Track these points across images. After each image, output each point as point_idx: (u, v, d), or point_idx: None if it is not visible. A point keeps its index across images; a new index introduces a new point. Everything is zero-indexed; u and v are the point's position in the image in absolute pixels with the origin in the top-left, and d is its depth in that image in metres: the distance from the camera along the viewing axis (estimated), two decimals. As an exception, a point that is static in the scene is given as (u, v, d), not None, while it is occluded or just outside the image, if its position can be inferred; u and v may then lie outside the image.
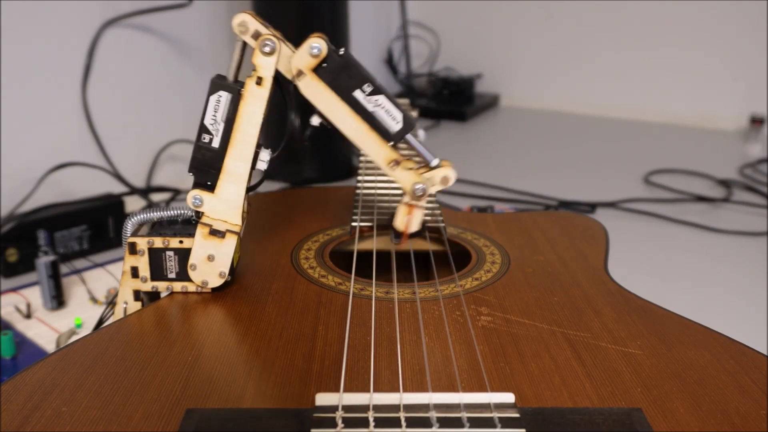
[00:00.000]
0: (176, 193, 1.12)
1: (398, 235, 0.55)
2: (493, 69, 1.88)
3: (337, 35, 1.26)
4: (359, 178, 0.69)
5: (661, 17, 1.66)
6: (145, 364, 0.41)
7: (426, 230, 0.60)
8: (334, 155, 1.25)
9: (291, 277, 0.53)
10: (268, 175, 0.53)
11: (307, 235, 0.60)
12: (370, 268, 0.53)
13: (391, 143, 0.50)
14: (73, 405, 0.37)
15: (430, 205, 0.64)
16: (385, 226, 0.60)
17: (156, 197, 1.13)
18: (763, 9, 1.54)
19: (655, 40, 1.68)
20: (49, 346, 0.71)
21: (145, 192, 1.12)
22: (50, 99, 1.05)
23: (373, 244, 0.58)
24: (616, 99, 1.75)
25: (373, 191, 0.66)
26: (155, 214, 0.52)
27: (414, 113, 0.88)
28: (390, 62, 1.86)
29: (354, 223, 0.60)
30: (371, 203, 0.63)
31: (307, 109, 0.51)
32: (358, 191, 0.66)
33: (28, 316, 0.76)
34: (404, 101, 0.93)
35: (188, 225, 0.51)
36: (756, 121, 1.52)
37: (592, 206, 1.14)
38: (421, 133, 0.81)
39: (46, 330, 0.74)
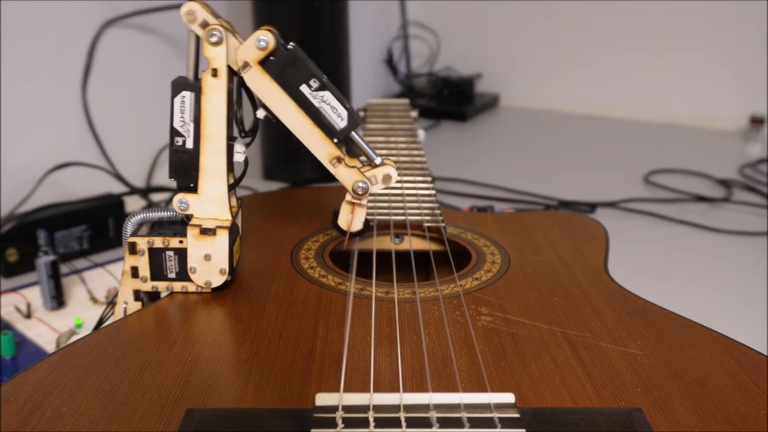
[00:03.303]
0: (176, 193, 1.12)
1: (398, 235, 0.55)
2: (493, 69, 1.88)
3: (337, 35, 1.26)
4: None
5: (661, 17, 1.66)
6: (145, 364, 0.41)
7: (425, 230, 0.60)
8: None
9: (291, 277, 0.52)
10: (268, 174, 0.53)
11: (307, 235, 0.60)
12: (370, 268, 0.53)
13: (335, 140, 0.50)
14: (74, 405, 0.37)
15: (430, 204, 0.64)
16: (386, 225, 0.60)
17: (156, 197, 1.13)
18: (763, 9, 1.54)
19: (656, 41, 1.68)
20: (49, 346, 0.71)
21: (145, 192, 1.12)
22: (50, 99, 1.05)
23: (373, 244, 0.58)
24: (616, 99, 1.75)
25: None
26: (155, 214, 0.52)
27: (414, 113, 0.88)
28: (390, 62, 1.85)
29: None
30: (371, 203, 0.63)
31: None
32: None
33: (28, 316, 0.76)
34: (404, 101, 0.93)
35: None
36: (756, 121, 1.52)
37: (592, 206, 1.14)
38: (421, 133, 0.81)
39: (46, 330, 0.74)
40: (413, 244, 0.60)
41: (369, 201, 0.55)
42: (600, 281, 0.53)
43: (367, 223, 0.53)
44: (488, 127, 1.69)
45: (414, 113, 0.88)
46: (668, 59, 1.68)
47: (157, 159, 1.20)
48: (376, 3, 1.79)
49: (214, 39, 0.47)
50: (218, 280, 0.50)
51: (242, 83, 0.50)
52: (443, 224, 0.60)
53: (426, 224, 0.60)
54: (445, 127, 1.67)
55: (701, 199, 1.19)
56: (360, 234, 0.53)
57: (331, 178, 0.51)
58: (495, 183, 1.25)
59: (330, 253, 0.57)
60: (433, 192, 0.66)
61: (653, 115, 1.71)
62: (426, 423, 0.35)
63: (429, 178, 0.68)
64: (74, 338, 0.69)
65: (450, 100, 1.78)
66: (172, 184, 0.51)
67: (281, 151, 1.26)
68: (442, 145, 1.52)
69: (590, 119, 1.74)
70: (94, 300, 0.79)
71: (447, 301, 0.49)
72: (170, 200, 0.51)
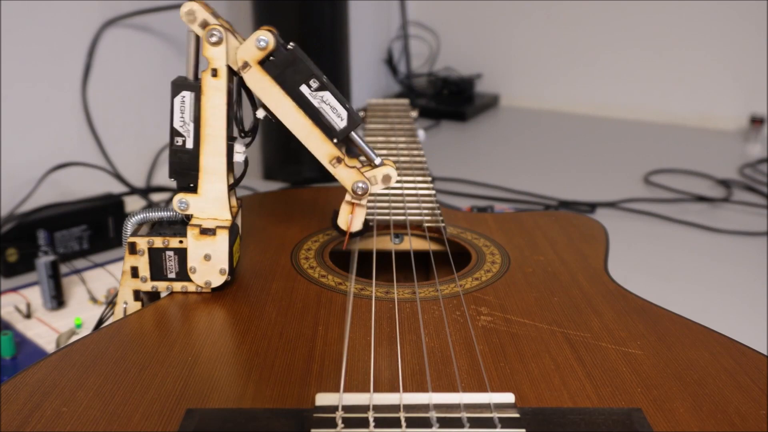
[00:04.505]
0: (176, 193, 1.12)
1: (398, 235, 0.55)
2: (493, 69, 1.88)
3: (337, 35, 1.26)
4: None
5: (661, 17, 1.66)
6: (145, 364, 0.41)
7: (425, 230, 0.60)
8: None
9: (291, 277, 0.52)
10: (268, 174, 0.53)
11: (307, 235, 0.60)
12: (370, 268, 0.53)
13: (335, 140, 0.50)
14: (74, 405, 0.37)
15: (429, 204, 0.64)
16: (385, 225, 0.60)
17: (156, 197, 1.13)
18: (763, 9, 1.54)
19: (656, 41, 1.68)
20: (49, 346, 0.71)
21: (145, 192, 1.12)
22: (50, 99, 1.05)
23: (373, 244, 0.58)
24: (616, 99, 1.75)
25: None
26: (155, 214, 0.52)
27: (414, 113, 0.88)
28: (390, 62, 1.85)
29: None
30: (371, 203, 0.63)
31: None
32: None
33: (28, 316, 0.76)
34: (404, 101, 0.93)
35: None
36: (756, 121, 1.52)
37: (592, 206, 1.14)
38: (420, 133, 0.81)
39: (46, 330, 0.74)
40: (413, 244, 0.60)
41: (369, 201, 0.55)
42: (600, 281, 0.53)
43: (366, 223, 0.53)
44: (488, 127, 1.69)
45: (414, 113, 0.88)
46: (668, 59, 1.68)
47: (157, 159, 1.20)
48: (376, 3, 1.79)
49: (213, 39, 0.47)
50: (218, 280, 0.50)
51: (242, 83, 0.50)
52: (443, 224, 0.60)
53: (426, 224, 0.60)
54: (445, 127, 1.67)
55: (701, 199, 1.19)
56: (360, 234, 0.53)
57: (331, 178, 0.51)
58: (495, 183, 1.25)
59: (330, 253, 0.57)
60: (433, 192, 0.66)
61: (653, 115, 1.71)
62: (426, 423, 0.35)
63: (429, 178, 0.68)
64: (74, 338, 0.69)
65: (450, 100, 1.78)
66: (172, 184, 0.51)
67: (281, 151, 1.26)
68: (442, 145, 1.52)
69: (590, 119, 1.74)
70: (94, 300, 0.79)
71: (447, 301, 0.49)
72: (170, 200, 0.51)
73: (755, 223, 1.10)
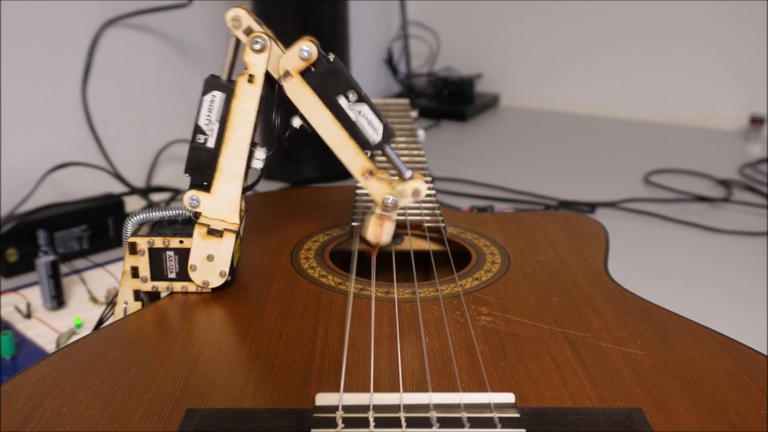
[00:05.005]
0: (176, 193, 1.12)
1: (398, 235, 0.55)
2: (493, 69, 1.88)
3: (337, 35, 1.26)
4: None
5: (661, 17, 1.66)
6: (145, 364, 0.41)
7: (425, 230, 0.60)
8: (334, 155, 1.25)
9: (291, 277, 0.53)
10: (268, 174, 0.53)
11: (307, 235, 0.60)
12: (370, 268, 0.53)
13: (369, 153, 0.50)
14: (74, 405, 0.37)
15: (429, 204, 0.64)
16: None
17: (156, 197, 1.13)
18: (763, 9, 1.54)
19: (655, 41, 1.68)
20: (49, 346, 0.71)
21: (145, 192, 1.12)
22: (50, 99, 1.05)
23: (373, 244, 0.58)
24: (616, 99, 1.75)
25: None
26: (155, 214, 0.52)
27: (414, 113, 0.88)
28: (390, 62, 1.85)
29: (354, 223, 0.60)
30: (371, 203, 0.63)
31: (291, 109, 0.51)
32: (358, 191, 0.66)
33: (28, 316, 0.76)
34: (404, 101, 0.93)
35: (188, 225, 0.51)
36: (756, 121, 1.52)
37: (592, 206, 1.14)
38: (421, 133, 0.81)
39: (46, 330, 0.74)
40: (413, 244, 0.60)
41: (366, 201, 0.55)
42: (600, 281, 0.53)
43: (395, 236, 0.53)
44: (488, 127, 1.69)
45: (414, 113, 0.88)
46: (668, 59, 1.68)
47: (157, 159, 1.20)
48: (376, 3, 1.79)
49: (257, 46, 0.47)
50: (216, 282, 0.50)
51: (280, 91, 0.50)
52: (443, 224, 0.60)
53: (426, 224, 0.60)
54: (445, 127, 1.67)
55: (701, 199, 1.19)
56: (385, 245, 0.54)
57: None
58: (495, 183, 1.25)
59: (330, 253, 0.57)
60: (433, 192, 0.66)
61: (653, 115, 1.71)
62: (426, 423, 0.35)
63: (429, 178, 0.68)
64: (74, 338, 0.69)
65: (450, 100, 1.78)
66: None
67: (281, 151, 1.26)
68: (442, 145, 1.53)
69: (590, 119, 1.74)
70: (94, 300, 0.79)
71: (447, 301, 0.49)
72: (170, 200, 0.51)
73: (755, 223, 1.10)
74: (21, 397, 0.38)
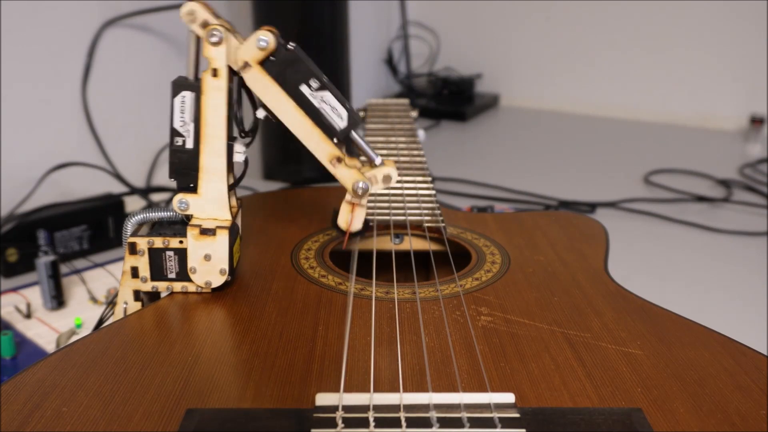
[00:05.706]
0: (176, 193, 1.12)
1: (398, 235, 0.54)
2: (493, 69, 1.88)
3: (337, 35, 1.26)
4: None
5: (661, 17, 1.66)
6: (145, 364, 0.41)
7: (425, 230, 0.60)
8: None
9: (291, 277, 0.52)
10: (268, 174, 0.53)
11: (307, 235, 0.60)
12: (370, 268, 0.53)
13: (335, 140, 0.50)
14: (74, 405, 0.37)
15: (430, 204, 0.64)
16: (386, 225, 0.60)
17: (156, 197, 1.13)
18: (763, 9, 1.54)
19: (655, 41, 1.68)
20: (49, 346, 0.71)
21: (145, 192, 1.12)
22: (50, 99, 1.05)
23: (373, 244, 0.58)
24: (616, 99, 1.75)
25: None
26: (155, 214, 0.52)
27: (414, 113, 0.88)
28: (390, 62, 1.86)
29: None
30: (371, 203, 0.63)
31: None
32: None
33: (28, 316, 0.76)
34: (404, 101, 0.93)
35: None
36: (756, 121, 1.52)
37: (592, 206, 1.14)
38: (420, 133, 0.81)
39: (46, 330, 0.74)
40: (413, 244, 0.60)
41: (369, 201, 0.55)
42: (600, 281, 0.53)
43: (366, 223, 0.53)
44: (488, 127, 1.69)
45: (414, 113, 0.88)
46: (668, 59, 1.68)
47: (157, 159, 1.20)
48: (376, 3, 1.79)
49: (214, 39, 0.47)
50: (218, 281, 0.50)
51: (242, 83, 0.50)
52: (443, 224, 0.60)
53: (426, 224, 0.60)
54: (445, 127, 1.67)
55: (701, 199, 1.19)
56: (360, 234, 0.53)
57: (331, 178, 0.51)
58: (495, 183, 1.25)
59: (330, 253, 0.57)
60: (433, 192, 0.66)
61: (653, 115, 1.71)
62: (426, 423, 0.35)
63: (429, 178, 0.68)
64: (74, 338, 0.69)
65: (450, 100, 1.78)
66: (172, 184, 0.51)
67: (281, 151, 1.26)
68: (442, 145, 1.53)
69: (590, 119, 1.74)
70: (94, 300, 0.79)
71: (447, 301, 0.49)
72: (170, 200, 0.51)
73: (755, 223, 1.10)
74: (21, 397, 0.38)
